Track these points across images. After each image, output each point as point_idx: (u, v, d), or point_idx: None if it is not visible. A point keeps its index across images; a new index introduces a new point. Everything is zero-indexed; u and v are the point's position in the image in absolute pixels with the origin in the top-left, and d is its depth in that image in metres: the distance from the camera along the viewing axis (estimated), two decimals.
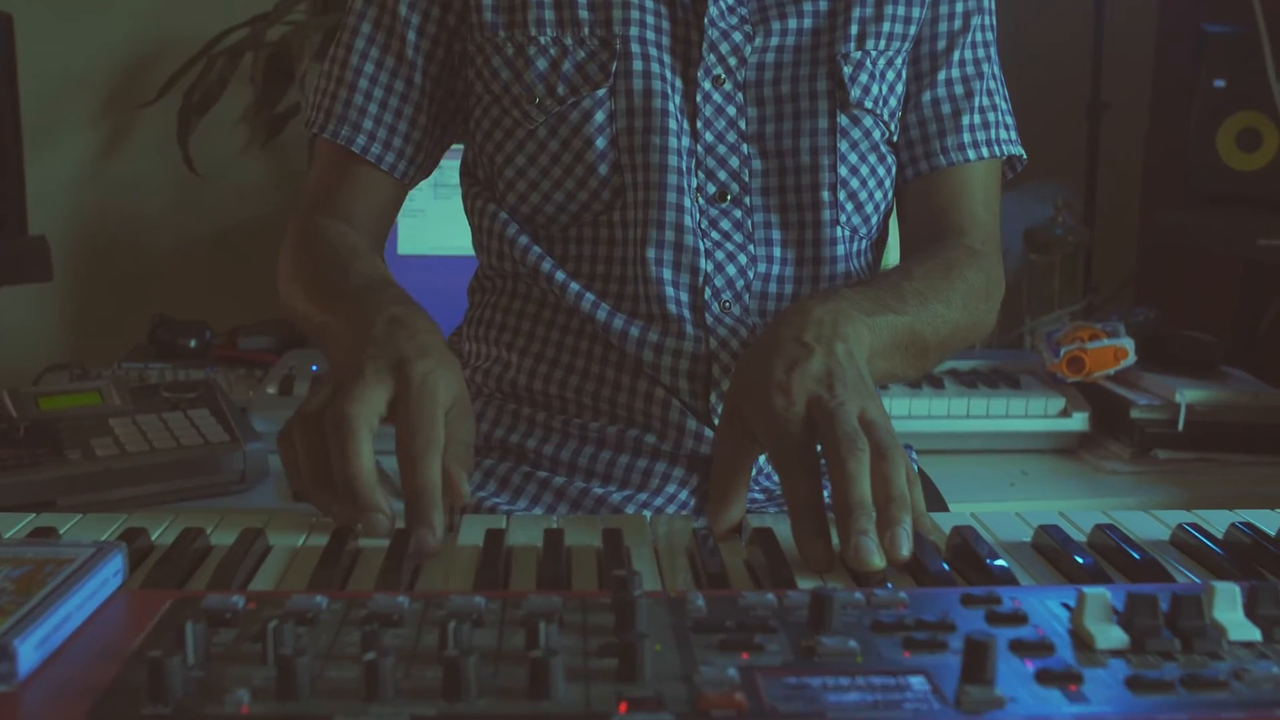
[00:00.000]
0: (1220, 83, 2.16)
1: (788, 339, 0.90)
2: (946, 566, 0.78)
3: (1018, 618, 0.67)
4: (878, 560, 0.77)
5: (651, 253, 1.12)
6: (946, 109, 1.20)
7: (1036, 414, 1.87)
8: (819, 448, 0.84)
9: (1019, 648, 0.63)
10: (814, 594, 0.65)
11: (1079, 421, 1.85)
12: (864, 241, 1.20)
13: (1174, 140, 2.35)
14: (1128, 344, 1.89)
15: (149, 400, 1.73)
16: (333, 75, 1.20)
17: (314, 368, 2.04)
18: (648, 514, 1.12)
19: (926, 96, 1.20)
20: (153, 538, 0.84)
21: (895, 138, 1.20)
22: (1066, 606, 0.68)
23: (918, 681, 0.59)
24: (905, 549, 0.78)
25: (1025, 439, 1.87)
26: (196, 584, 0.77)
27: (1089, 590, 0.65)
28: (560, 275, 1.15)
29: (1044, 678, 0.59)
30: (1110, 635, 0.63)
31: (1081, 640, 0.64)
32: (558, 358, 1.17)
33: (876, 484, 0.81)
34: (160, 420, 1.69)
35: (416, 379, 0.88)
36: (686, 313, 1.13)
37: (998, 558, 0.79)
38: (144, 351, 2.18)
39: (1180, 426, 1.78)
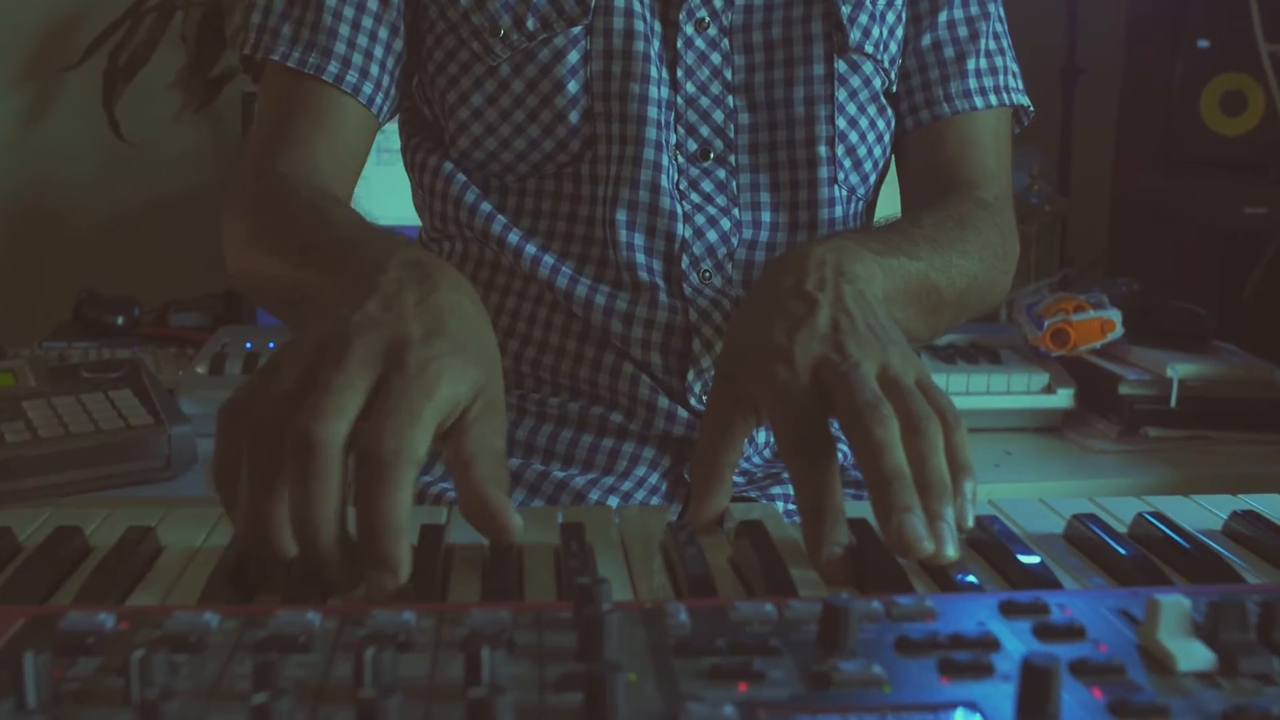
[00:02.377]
0: (1204, 43, 2.07)
1: (787, 290, 0.77)
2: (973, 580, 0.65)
3: (1073, 631, 0.54)
4: (929, 544, 0.64)
5: (622, 214, 0.99)
6: (949, 52, 1.07)
7: (1019, 390, 1.77)
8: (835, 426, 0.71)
9: (1082, 670, 0.50)
10: (825, 605, 0.53)
11: (1064, 398, 1.75)
12: (860, 204, 1.08)
13: (1152, 104, 2.26)
14: (1115, 315, 1.78)
15: (68, 381, 1.63)
16: None
17: (248, 345, 1.90)
18: (614, 500, 0.98)
19: (926, 39, 1.07)
20: (21, 537, 0.70)
21: (895, 87, 1.07)
22: (1127, 615, 0.56)
23: (966, 718, 0.47)
24: (951, 549, 0.65)
25: (1007, 417, 1.77)
26: (65, 596, 0.63)
27: (1164, 597, 0.53)
28: (514, 238, 1.01)
29: (1120, 711, 0.47)
30: (1193, 653, 0.51)
31: (1156, 660, 0.52)
32: (512, 327, 1.04)
33: (909, 465, 0.67)
34: (78, 402, 1.59)
35: (413, 365, 0.63)
36: (660, 281, 1.00)
37: (1032, 553, 0.67)
38: (69, 330, 2.07)
39: (1173, 403, 1.68)
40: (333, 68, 1.00)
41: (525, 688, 0.48)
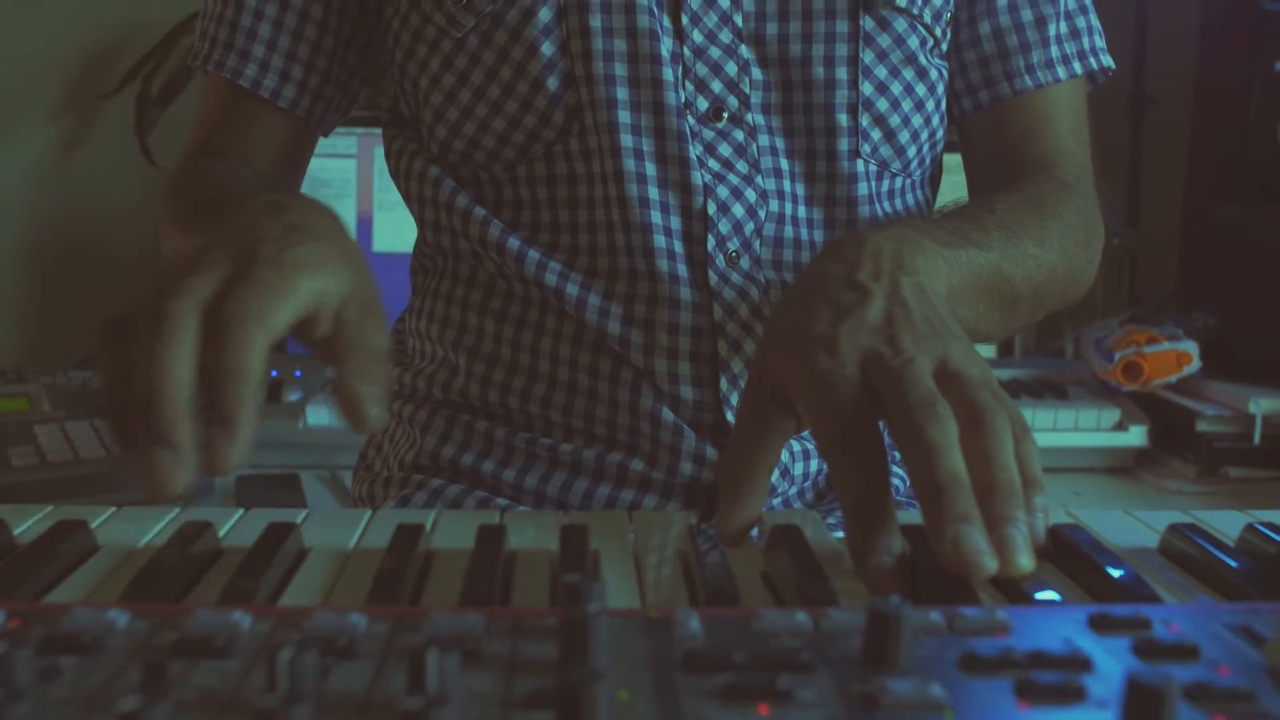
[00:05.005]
0: None
1: (837, 279, 0.66)
2: (1053, 594, 0.54)
3: (1184, 650, 0.43)
4: (991, 560, 0.53)
5: (633, 189, 0.87)
6: (1028, 15, 0.95)
7: (1088, 427, 1.65)
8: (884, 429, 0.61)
9: (1202, 696, 0.39)
10: (872, 612, 0.42)
11: (1137, 435, 1.63)
12: (899, 180, 0.94)
13: (1227, 132, 2.14)
14: (1191, 348, 1.66)
15: (84, 407, 1.56)
16: None
17: (273, 373, 1.83)
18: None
19: (1003, 1, 0.96)
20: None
21: (944, 46, 0.94)
22: (1249, 633, 0.45)
23: None
24: (1024, 559, 0.54)
25: (1076, 456, 1.65)
26: None
27: None
28: (514, 243, 0.89)
29: None
30: None
31: None
32: (515, 361, 0.91)
33: (971, 465, 0.56)
34: (92, 428, 1.52)
35: (267, 252, 0.60)
36: (682, 269, 0.87)
37: (1123, 565, 0.55)
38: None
39: (1256, 440, 1.55)
40: (250, 71, 0.94)
41: (486, 704, 0.38)
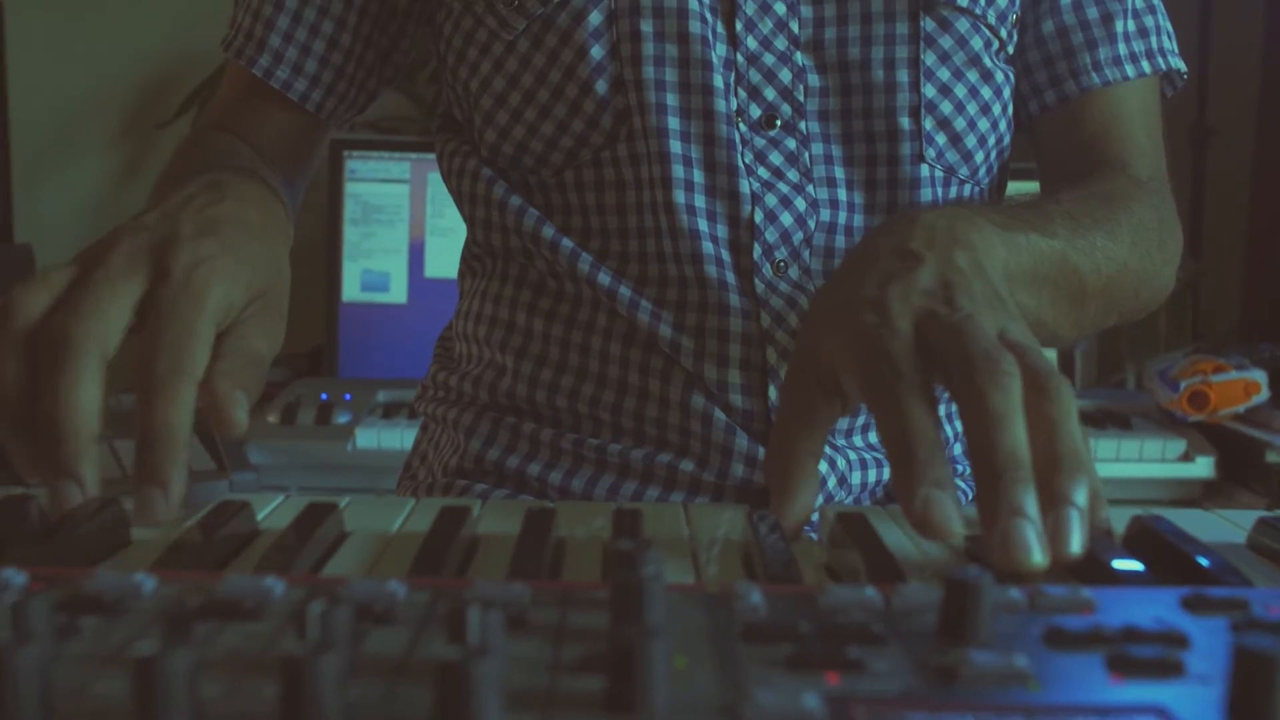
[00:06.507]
0: None
1: (885, 249, 0.63)
2: (1138, 565, 0.50)
3: None
4: (1039, 556, 0.48)
5: (680, 196, 0.85)
6: (1094, 12, 0.92)
7: (1153, 458, 1.60)
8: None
9: None
10: (949, 582, 0.39)
11: (1204, 467, 1.58)
12: (967, 187, 0.91)
13: None
14: (1260, 377, 1.62)
15: (133, 425, 1.55)
16: None
17: (323, 395, 1.82)
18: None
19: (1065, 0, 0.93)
20: None
21: (1009, 49, 0.92)
22: None
23: None
24: (1076, 541, 0.49)
25: (1140, 487, 1.60)
26: None
27: None
28: (567, 243, 0.88)
29: None
30: None
31: None
32: (564, 359, 0.89)
33: (1034, 433, 0.52)
34: None
35: (179, 271, 0.61)
36: (730, 276, 0.85)
37: (1210, 554, 0.52)
38: None
39: None
40: (264, 61, 0.94)
41: (532, 669, 0.35)
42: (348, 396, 1.83)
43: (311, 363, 2.13)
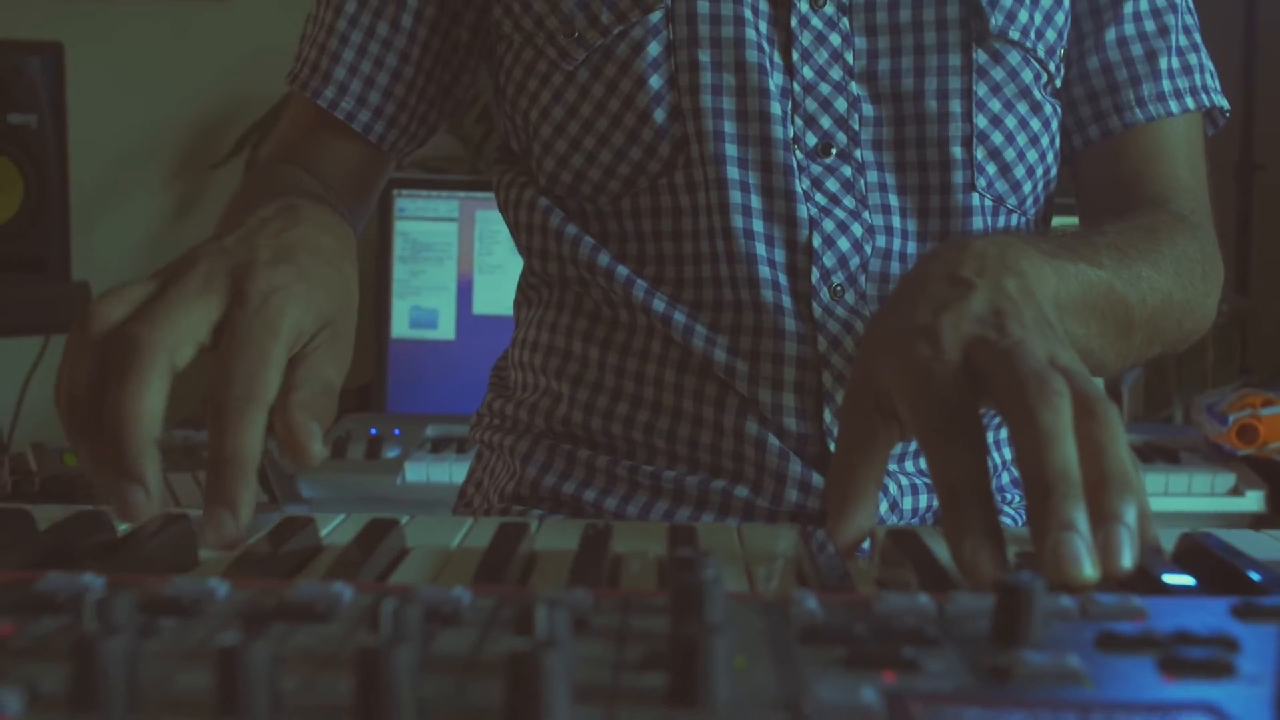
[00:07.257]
0: None
1: (937, 276, 0.64)
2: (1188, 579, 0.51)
3: None
4: (1089, 568, 0.49)
5: (738, 221, 0.86)
6: (1138, 49, 0.93)
7: (1201, 492, 1.60)
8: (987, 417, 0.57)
9: None
10: (1003, 587, 0.40)
11: (1254, 501, 1.58)
12: (1014, 216, 0.93)
13: None
14: None
15: (185, 459, 1.59)
16: (318, 20, 0.98)
17: (372, 430, 1.85)
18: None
19: (1111, 35, 0.93)
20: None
21: (1057, 82, 0.93)
22: None
23: None
24: (1128, 556, 0.50)
25: (1188, 521, 1.59)
26: None
27: None
28: (623, 270, 0.89)
29: None
30: None
31: None
32: (619, 387, 0.91)
33: (1083, 456, 0.53)
34: (194, 479, 1.54)
35: (255, 296, 0.62)
36: (786, 301, 0.86)
37: (1261, 568, 0.52)
38: (200, 419, 2.02)
39: None
40: (329, 93, 0.95)
41: (596, 668, 0.36)
42: (397, 431, 1.85)
43: (361, 398, 2.16)
